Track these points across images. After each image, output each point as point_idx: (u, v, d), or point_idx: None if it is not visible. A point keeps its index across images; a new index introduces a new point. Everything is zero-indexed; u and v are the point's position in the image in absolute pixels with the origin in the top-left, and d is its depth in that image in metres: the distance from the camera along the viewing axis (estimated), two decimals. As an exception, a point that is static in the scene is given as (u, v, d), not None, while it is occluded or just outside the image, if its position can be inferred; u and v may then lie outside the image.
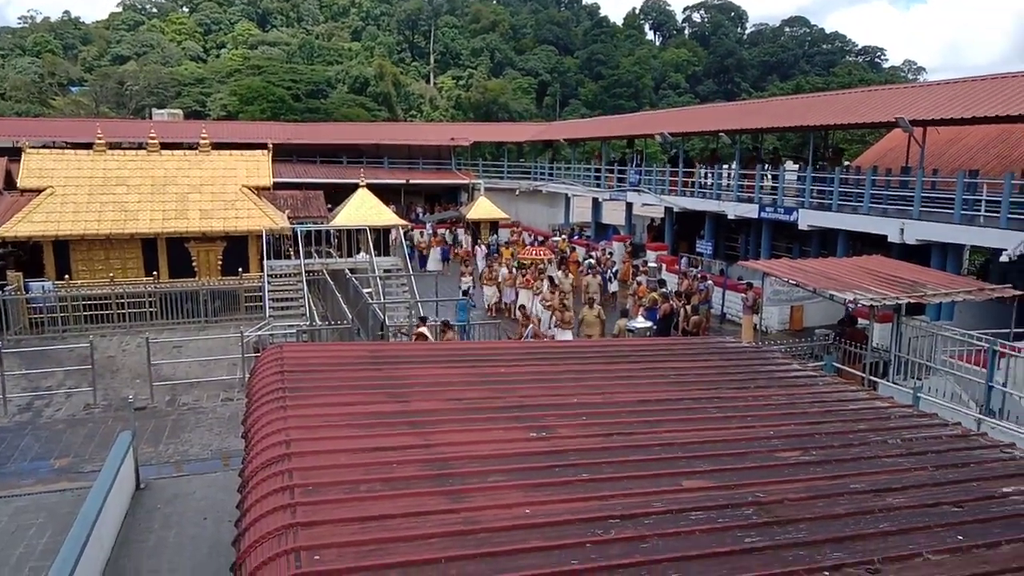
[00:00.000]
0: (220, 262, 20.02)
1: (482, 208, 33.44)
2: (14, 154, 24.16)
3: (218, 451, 10.84)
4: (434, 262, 29.23)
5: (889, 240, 18.09)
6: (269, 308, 17.98)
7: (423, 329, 13.70)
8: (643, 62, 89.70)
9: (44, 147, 24.38)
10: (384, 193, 31.16)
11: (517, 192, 40.05)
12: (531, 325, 15.88)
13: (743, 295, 18.70)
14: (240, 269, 19.74)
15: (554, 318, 16.79)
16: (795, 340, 15.20)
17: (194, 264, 19.86)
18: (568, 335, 15.89)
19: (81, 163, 20.34)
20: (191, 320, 18.38)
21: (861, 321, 15.23)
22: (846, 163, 25.88)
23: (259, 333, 15.01)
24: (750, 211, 23.17)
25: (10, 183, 26.25)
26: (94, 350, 13.33)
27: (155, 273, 19.31)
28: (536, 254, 22.48)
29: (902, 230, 17.69)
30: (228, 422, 11.84)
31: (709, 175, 26.38)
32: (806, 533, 3.77)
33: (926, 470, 4.68)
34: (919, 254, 17.62)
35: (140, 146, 24.13)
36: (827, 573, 3.44)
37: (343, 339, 14.11)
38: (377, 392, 5.76)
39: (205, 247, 19.94)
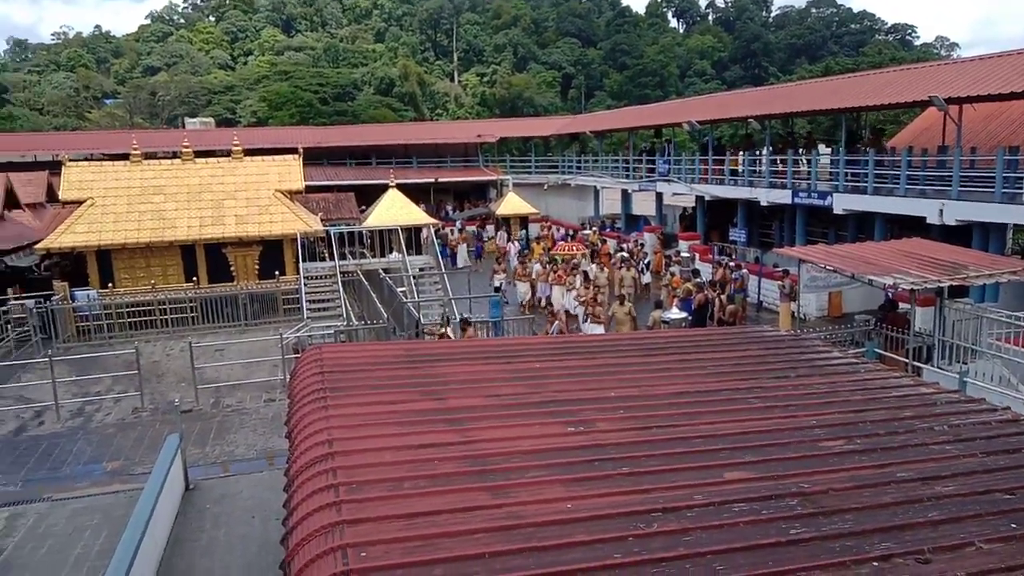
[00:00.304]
0: (257, 266, 20.36)
1: (511, 204, 33.48)
2: (55, 167, 24.86)
3: (263, 451, 11.05)
4: (461, 259, 29.26)
5: (928, 222, 17.66)
6: (306, 310, 18.25)
7: (447, 329, 13.74)
8: (668, 50, 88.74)
9: (83, 160, 25.04)
10: (414, 192, 31.37)
11: (545, 186, 39.97)
12: (556, 322, 15.81)
13: (779, 283, 18.44)
14: (276, 272, 20.05)
15: (587, 313, 16.72)
16: (834, 327, 14.94)
17: (232, 269, 20.22)
18: (600, 330, 15.83)
19: (119, 174, 20.85)
20: (231, 324, 18.73)
21: (902, 305, 14.92)
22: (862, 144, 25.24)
23: (298, 335, 15.24)
24: (783, 197, 22.81)
25: (52, 196, 27.04)
26: (140, 355, 13.68)
27: (195, 279, 19.71)
28: (569, 249, 22.35)
29: (941, 211, 17.26)
30: (271, 422, 12.06)
31: (744, 161, 25.97)
32: (852, 523, 3.72)
33: (975, 457, 4.58)
34: (960, 235, 17.18)
35: (174, 155, 24.62)
36: (876, 564, 3.39)
37: (379, 338, 14.26)
38: (415, 390, 5.82)
39: (242, 252, 20.29)
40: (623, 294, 16.94)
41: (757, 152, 25.89)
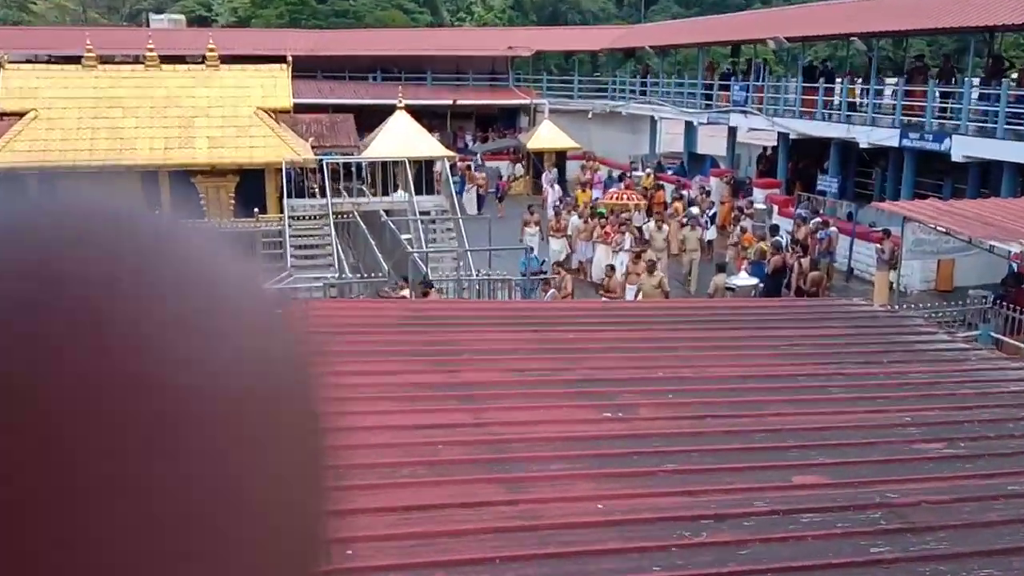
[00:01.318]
0: (232, 201, 20.55)
1: (545, 135, 33.14)
2: (-8, 71, 25.13)
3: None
4: (470, 203, 28.63)
5: (1072, 176, 17.30)
6: (291, 256, 18.44)
7: (405, 292, 13.70)
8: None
9: (25, 62, 25.27)
10: (427, 117, 31.27)
11: (590, 115, 39.56)
12: (552, 289, 15.62)
13: (877, 245, 18.25)
14: (256, 209, 20.20)
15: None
16: (942, 303, 14.79)
17: (202, 202, 20.43)
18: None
19: (68, 80, 21.03)
20: (199, 270, 18.99)
21: (1030, 280, 14.72)
22: (1015, 75, 24.59)
23: (280, 287, 15.44)
24: (889, 138, 22.38)
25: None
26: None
27: (157, 212, 19.97)
28: (619, 198, 21.90)
29: (1090, 163, 16.87)
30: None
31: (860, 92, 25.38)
32: (948, 544, 3.74)
33: (1108, 471, 4.55)
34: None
35: (136, 60, 24.74)
36: (973, 593, 3.42)
37: (378, 295, 14.40)
38: (420, 359, 5.90)
39: (214, 182, 20.48)
40: (652, 261, 16.40)
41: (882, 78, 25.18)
